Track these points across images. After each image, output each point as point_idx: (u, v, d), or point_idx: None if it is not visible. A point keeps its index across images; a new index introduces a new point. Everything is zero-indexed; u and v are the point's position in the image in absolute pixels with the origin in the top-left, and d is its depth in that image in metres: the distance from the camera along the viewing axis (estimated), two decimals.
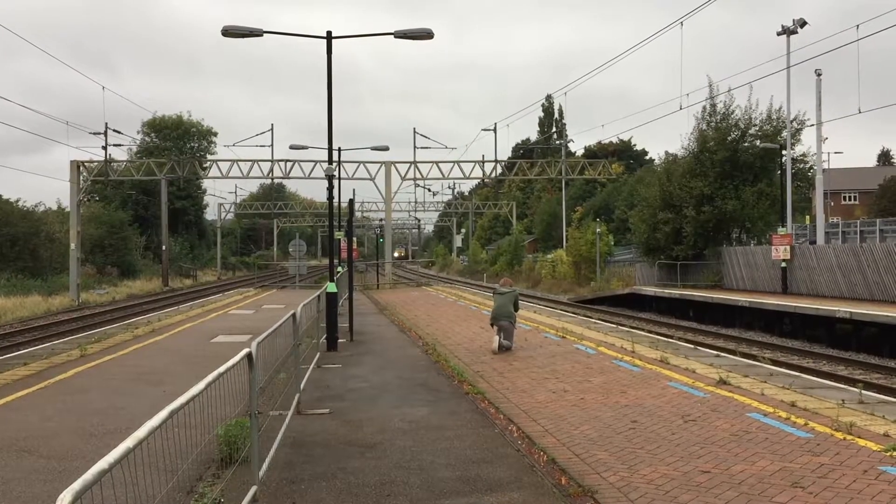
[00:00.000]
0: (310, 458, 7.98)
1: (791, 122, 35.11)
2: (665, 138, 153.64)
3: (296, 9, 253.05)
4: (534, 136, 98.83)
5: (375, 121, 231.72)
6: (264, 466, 7.03)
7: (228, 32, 16.95)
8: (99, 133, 49.99)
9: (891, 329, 21.25)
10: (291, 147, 37.37)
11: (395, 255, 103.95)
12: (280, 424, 8.80)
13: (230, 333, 20.13)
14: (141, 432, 3.87)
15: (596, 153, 75.54)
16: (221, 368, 5.71)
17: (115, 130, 51.83)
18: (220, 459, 7.44)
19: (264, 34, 17.14)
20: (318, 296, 17.03)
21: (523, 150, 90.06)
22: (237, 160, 50.88)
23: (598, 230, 48.49)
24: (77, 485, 3.01)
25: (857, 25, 29.51)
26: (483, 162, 53.44)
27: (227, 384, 5.99)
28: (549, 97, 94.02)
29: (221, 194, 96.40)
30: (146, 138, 75.74)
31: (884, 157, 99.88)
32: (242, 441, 7.20)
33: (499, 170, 57.61)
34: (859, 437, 8.26)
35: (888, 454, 7.58)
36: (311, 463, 7.81)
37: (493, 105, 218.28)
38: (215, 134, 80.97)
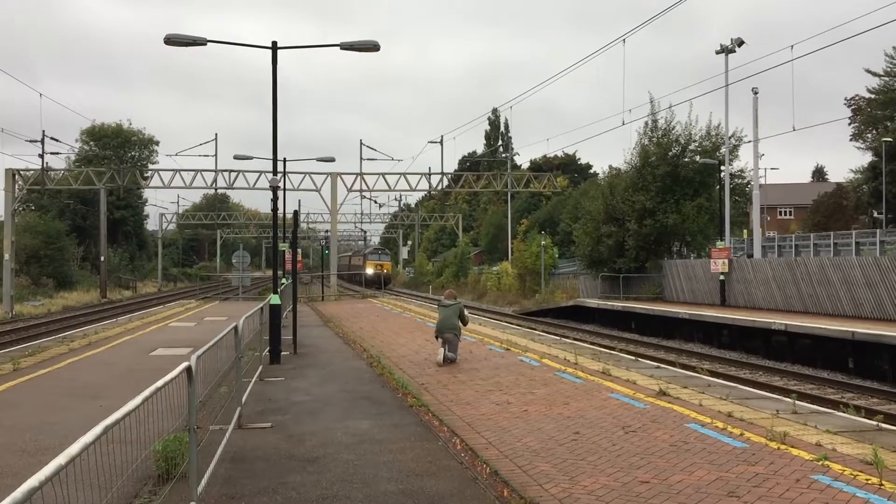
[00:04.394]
0: (250, 473, 7.87)
1: (729, 138, 36.05)
2: (605, 152, 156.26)
3: (205, 13, 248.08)
4: (480, 149, 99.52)
5: (307, 130, 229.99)
6: (203, 482, 6.91)
7: (171, 41, 16.68)
8: (35, 141, 48.74)
9: (823, 340, 21.87)
10: (236, 157, 36.99)
11: (369, 271, 73.79)
12: (220, 439, 8.66)
13: (170, 346, 19.76)
14: (74, 448, 3.78)
15: (541, 166, 76.40)
16: (159, 382, 5.61)
17: (52, 138, 50.59)
18: (157, 476, 7.30)
19: (208, 43, 16.93)
20: (262, 308, 16.84)
21: (469, 163, 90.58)
22: (179, 170, 50.09)
23: (542, 243, 48.98)
24: (6, 503, 2.93)
25: (792, 46, 30.58)
26: (430, 174, 53.59)
27: (166, 398, 5.89)
28: (495, 111, 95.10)
29: (163, 204, 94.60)
30: (84, 147, 74.09)
31: (818, 173, 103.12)
32: (181, 456, 7.08)
33: (445, 182, 57.81)
34: (793, 447, 8.48)
35: (820, 463, 7.79)
36: (252, 478, 7.70)
37: (420, 116, 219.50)
38: (157, 143, 79.69)
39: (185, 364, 6.31)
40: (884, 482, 7.06)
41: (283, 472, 7.92)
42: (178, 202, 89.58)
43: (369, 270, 72.76)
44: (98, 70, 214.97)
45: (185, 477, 6.59)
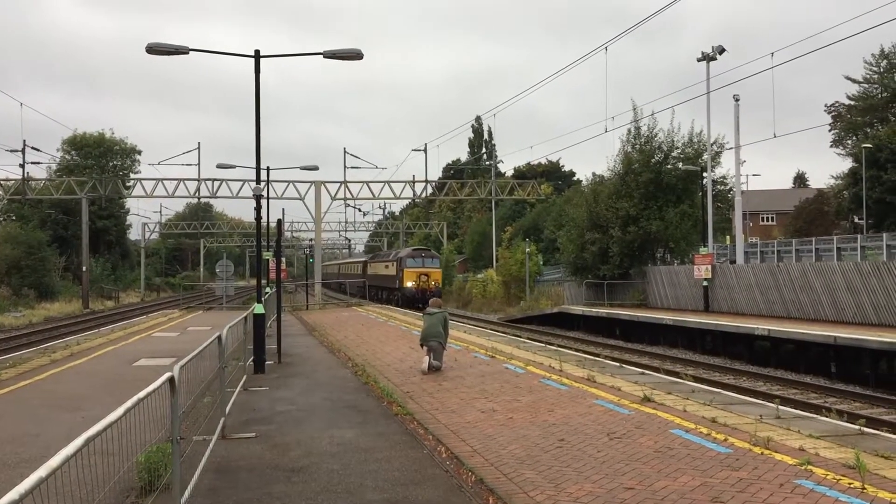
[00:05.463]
0: (234, 484, 7.82)
1: (711, 145, 36.30)
2: (588, 159, 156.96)
3: (182, 22, 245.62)
4: (464, 157, 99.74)
5: (289, 139, 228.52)
6: (187, 493, 6.87)
7: (153, 50, 16.62)
8: (16, 150, 48.42)
9: (806, 345, 22.02)
10: (219, 166, 36.90)
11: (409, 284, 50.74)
12: (204, 449, 8.61)
13: (153, 356, 19.62)
14: (55, 461, 3.75)
15: (525, 174, 76.65)
16: (141, 393, 5.58)
17: (33, 148, 50.27)
18: (140, 487, 7.24)
19: (190, 52, 16.88)
20: (246, 317, 16.76)
21: (453, 171, 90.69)
22: (162, 179, 49.96)
23: (527, 250, 49.06)
24: None
25: (772, 53, 30.99)
26: (413, 182, 53.68)
27: (149, 409, 5.85)
28: (478, 118, 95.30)
29: (146, 214, 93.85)
30: (66, 156, 73.60)
31: (799, 179, 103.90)
32: (164, 467, 7.02)
33: (429, 190, 57.90)
34: (776, 452, 8.52)
35: (803, 468, 7.84)
36: (236, 488, 7.66)
37: (403, 124, 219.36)
38: (139, 152, 79.20)
39: (167, 374, 6.28)
40: (866, 486, 7.11)
41: (268, 482, 7.88)
42: (160, 211, 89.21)
43: (409, 283, 50.29)
44: (77, 79, 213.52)
45: (169, 488, 6.55)
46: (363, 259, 74.36)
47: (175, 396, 6.34)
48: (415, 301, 48.41)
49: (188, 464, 7.58)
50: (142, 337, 26.36)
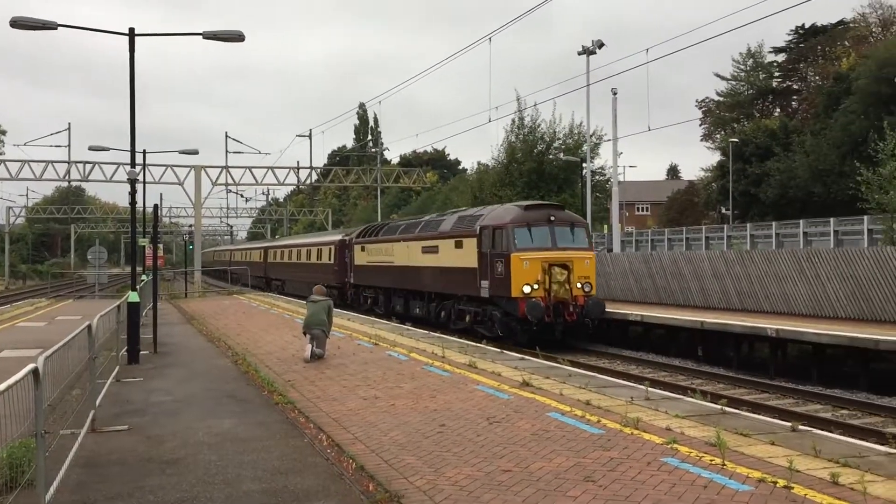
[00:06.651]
0: (104, 478, 7.55)
1: (590, 136, 37.42)
2: (472, 148, 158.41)
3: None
4: (349, 144, 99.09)
5: (166, 122, 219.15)
6: (52, 489, 6.58)
7: (18, 24, 15.67)
8: None
9: (676, 330, 23.05)
10: (91, 148, 35.14)
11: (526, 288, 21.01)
12: (72, 444, 8.26)
13: (17, 347, 18.61)
14: None
15: (411, 162, 76.87)
16: (2, 386, 5.31)
17: None
18: (1, 484, 6.88)
19: (59, 27, 16.03)
20: (119, 306, 16.14)
21: (339, 158, 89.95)
22: (28, 161, 47.30)
23: None
24: None
25: (647, 49, 32.24)
26: (298, 168, 52.92)
27: (10, 402, 5.58)
28: (362, 105, 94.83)
29: (11, 197, 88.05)
30: None
31: (672, 171, 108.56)
32: (28, 463, 6.70)
33: (314, 177, 57.19)
34: (645, 432, 8.93)
35: (669, 446, 8.25)
36: (106, 483, 7.39)
37: (285, 111, 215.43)
38: (3, 132, 74.74)
39: (31, 366, 6.00)
40: (726, 462, 7.54)
41: (141, 475, 7.65)
42: (27, 195, 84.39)
43: (525, 286, 21.89)
44: None
45: (32, 484, 6.27)
46: (336, 237, 40.15)
47: (39, 388, 6.08)
48: (545, 332, 22.64)
49: (54, 459, 7.26)
50: (5, 327, 24.95)
